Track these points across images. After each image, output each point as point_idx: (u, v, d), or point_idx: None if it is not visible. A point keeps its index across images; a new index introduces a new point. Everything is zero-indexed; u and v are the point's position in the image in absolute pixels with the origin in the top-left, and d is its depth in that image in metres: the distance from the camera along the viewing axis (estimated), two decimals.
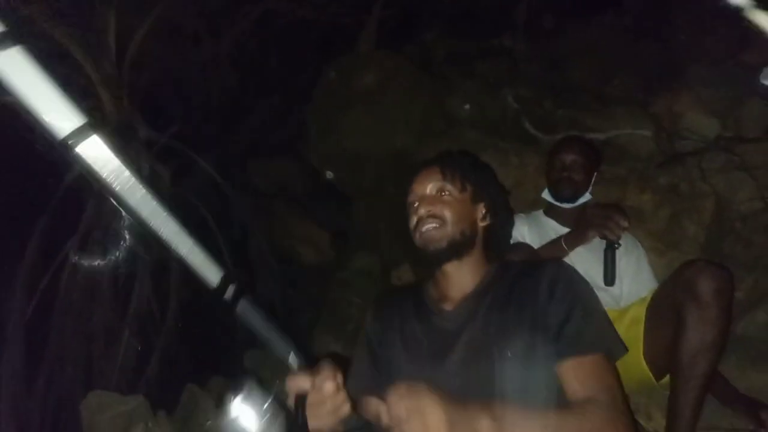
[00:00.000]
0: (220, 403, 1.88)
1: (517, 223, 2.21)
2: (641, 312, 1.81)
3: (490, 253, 1.41)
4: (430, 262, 1.35)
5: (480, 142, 3.45)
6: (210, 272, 0.88)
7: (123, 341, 3.60)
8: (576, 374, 1.13)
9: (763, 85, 1.75)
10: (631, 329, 1.82)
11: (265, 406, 0.96)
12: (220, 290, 0.90)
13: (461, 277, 1.36)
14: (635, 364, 1.77)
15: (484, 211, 1.41)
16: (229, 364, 2.97)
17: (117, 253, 3.89)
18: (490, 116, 3.76)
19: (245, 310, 0.94)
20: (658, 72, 3.56)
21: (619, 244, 1.95)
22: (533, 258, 1.90)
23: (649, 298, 1.83)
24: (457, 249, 1.33)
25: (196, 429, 1.93)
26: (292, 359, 1.00)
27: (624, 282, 2.07)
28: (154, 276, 3.88)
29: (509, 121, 3.71)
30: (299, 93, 4.53)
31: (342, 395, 1.03)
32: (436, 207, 1.34)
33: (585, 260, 2.05)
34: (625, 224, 1.92)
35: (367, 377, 1.35)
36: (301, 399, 1.00)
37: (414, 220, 1.37)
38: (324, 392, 1.00)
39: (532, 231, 2.17)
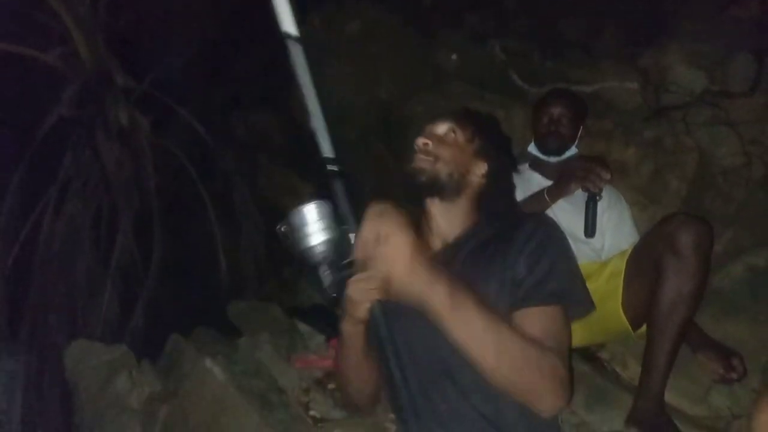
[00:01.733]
0: (203, 353, 1.90)
1: None
2: (621, 264, 1.84)
3: (480, 210, 1.39)
4: (412, 197, 1.34)
5: (466, 95, 3.40)
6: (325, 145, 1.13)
7: (106, 292, 3.60)
8: (530, 322, 1.12)
9: None
10: (611, 281, 1.85)
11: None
12: (324, 162, 1.08)
13: (444, 223, 1.34)
14: (614, 314, 1.81)
15: (484, 170, 1.38)
16: (214, 315, 2.99)
17: (98, 203, 3.84)
18: (477, 68, 3.70)
19: (337, 186, 1.10)
20: (646, 25, 3.50)
21: (601, 197, 1.96)
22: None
23: (629, 251, 1.86)
24: (438, 187, 1.31)
25: (179, 378, 1.95)
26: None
27: (606, 235, 2.09)
28: (137, 226, 3.84)
29: (496, 73, 3.65)
30: (282, 42, 4.41)
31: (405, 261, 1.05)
32: (434, 146, 1.33)
33: (567, 212, 2.06)
34: (607, 176, 1.93)
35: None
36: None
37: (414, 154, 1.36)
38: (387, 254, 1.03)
39: (517, 184, 2.16)
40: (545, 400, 1.06)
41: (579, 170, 1.94)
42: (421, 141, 1.33)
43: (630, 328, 1.80)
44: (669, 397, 1.68)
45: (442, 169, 1.31)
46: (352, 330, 1.18)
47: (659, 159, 2.74)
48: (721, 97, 2.84)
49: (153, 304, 3.65)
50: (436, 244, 1.34)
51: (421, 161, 1.32)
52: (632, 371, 1.95)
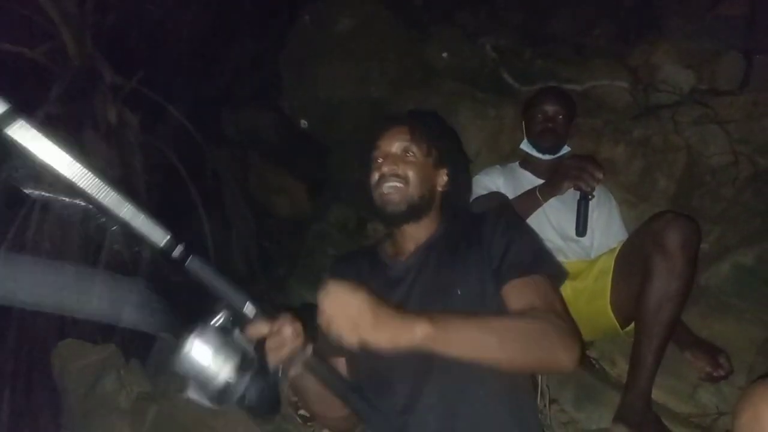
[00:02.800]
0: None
1: (492, 174, 2.22)
2: (610, 263, 1.85)
3: (444, 209, 1.45)
4: (388, 222, 1.39)
5: (457, 93, 3.40)
6: (156, 234, 0.90)
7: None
8: (516, 292, 1.19)
9: None
10: (600, 279, 1.86)
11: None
12: (168, 250, 0.91)
13: (416, 233, 1.39)
14: (602, 312, 1.82)
15: (445, 178, 1.43)
16: (204, 314, 2.97)
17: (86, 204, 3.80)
18: (468, 66, 3.70)
19: (196, 266, 0.95)
20: (636, 24, 3.52)
21: (593, 196, 1.97)
22: (507, 207, 1.91)
23: (618, 249, 1.86)
24: (415, 212, 1.36)
25: (169, 377, 1.94)
26: (248, 309, 1.00)
27: (595, 233, 2.10)
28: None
29: (487, 71, 3.65)
30: (273, 38, 4.38)
31: (300, 339, 1.05)
32: (400, 167, 1.35)
33: (557, 211, 2.07)
34: (600, 176, 1.94)
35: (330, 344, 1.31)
36: (261, 344, 1.02)
37: (376, 176, 1.37)
38: (283, 336, 1.03)
39: (507, 183, 2.17)
40: (562, 359, 1.10)
41: (572, 169, 1.94)
42: (386, 168, 1.34)
43: (618, 325, 1.81)
44: (656, 394, 1.69)
45: (414, 193, 1.35)
46: (297, 380, 1.19)
47: (648, 157, 2.75)
48: (710, 95, 2.85)
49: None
50: (409, 247, 1.39)
51: (392, 190, 1.34)
52: (620, 369, 1.95)
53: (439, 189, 1.43)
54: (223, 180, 4.44)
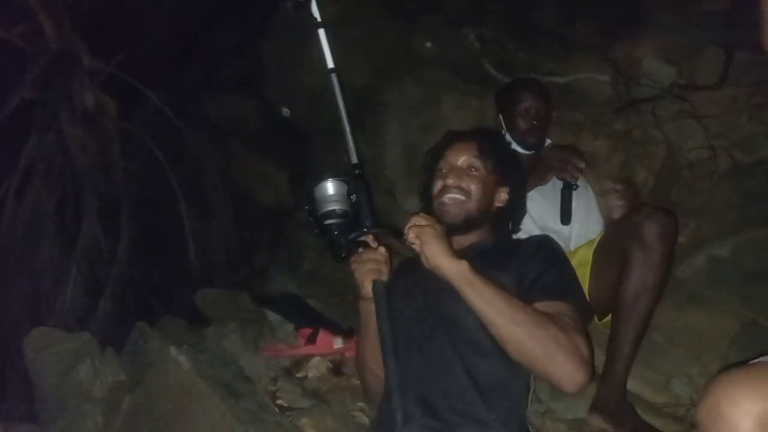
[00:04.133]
0: (168, 342, 1.87)
1: None
2: (589, 254, 1.86)
3: (498, 230, 1.52)
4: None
5: (441, 83, 3.39)
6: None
7: (71, 279, 3.51)
8: (542, 308, 1.22)
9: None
10: (579, 271, 1.86)
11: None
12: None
13: (464, 240, 1.45)
14: None
15: (505, 196, 1.50)
16: (182, 303, 2.94)
17: (62, 188, 3.73)
18: (452, 56, 3.68)
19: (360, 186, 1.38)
20: (619, 17, 3.53)
21: (577, 185, 1.99)
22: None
23: (596, 241, 1.88)
24: (470, 226, 1.44)
25: (144, 366, 1.91)
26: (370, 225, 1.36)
27: (574, 224, 2.11)
28: (103, 212, 3.74)
29: (471, 61, 3.64)
30: (256, 24, 4.32)
31: (386, 267, 1.30)
32: (464, 180, 1.43)
33: (537, 203, 2.08)
34: (583, 165, 1.97)
35: None
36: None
37: (439, 185, 1.46)
38: (380, 252, 1.31)
39: None
40: (566, 370, 1.13)
41: (557, 161, 1.96)
42: (451, 180, 1.44)
43: (595, 316, 1.83)
44: (631, 385, 1.71)
45: (473, 207, 1.43)
46: (364, 309, 1.34)
47: (629, 151, 2.77)
48: (690, 90, 2.88)
49: (119, 291, 3.57)
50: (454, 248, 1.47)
51: (452, 202, 1.43)
52: (597, 360, 1.96)
53: (498, 205, 1.50)
54: (204, 167, 4.38)
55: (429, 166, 1.54)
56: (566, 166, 1.96)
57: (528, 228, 2.04)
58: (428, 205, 1.51)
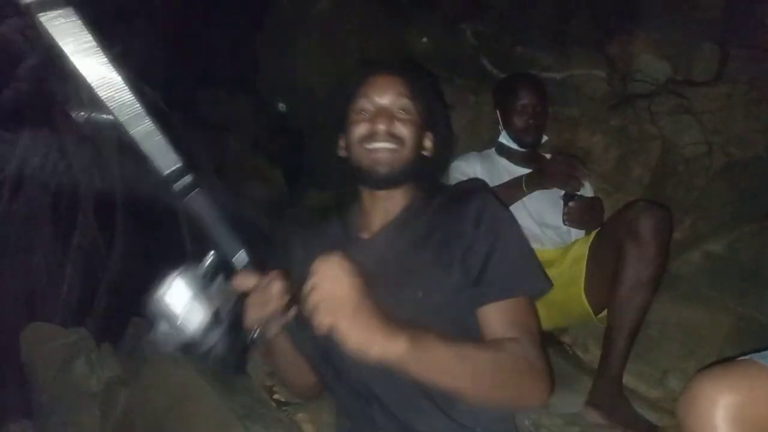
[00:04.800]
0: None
1: (470, 160, 2.22)
2: (584, 250, 1.87)
3: (423, 185, 1.28)
4: (373, 183, 1.21)
5: (438, 79, 3.39)
6: (166, 159, 0.87)
7: (67, 274, 3.50)
8: (496, 318, 1.07)
9: None
10: (574, 266, 1.88)
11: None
12: (171, 179, 0.86)
13: (389, 204, 1.23)
14: (576, 299, 1.83)
15: (430, 144, 1.28)
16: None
17: (58, 183, 3.71)
18: (448, 52, 3.68)
19: (195, 203, 0.91)
20: (615, 13, 3.53)
21: (579, 196, 1.99)
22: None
23: (592, 236, 1.88)
24: (405, 176, 1.20)
25: (140, 362, 1.91)
26: (240, 258, 0.97)
27: None
28: (99, 208, 3.73)
29: (467, 57, 3.64)
30: (251, 20, 4.30)
31: (285, 300, 0.99)
32: (395, 125, 1.17)
33: (536, 199, 2.08)
34: (585, 179, 1.97)
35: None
36: (243, 298, 0.99)
37: (362, 130, 1.19)
38: (269, 293, 0.98)
39: (484, 170, 2.18)
40: (531, 397, 1.03)
41: (560, 174, 1.94)
42: (381, 126, 1.17)
43: (591, 312, 1.83)
44: (626, 379, 1.72)
45: (406, 157, 1.19)
46: (273, 341, 1.16)
47: (624, 147, 2.79)
48: (685, 86, 2.89)
49: (115, 287, 3.57)
50: (377, 223, 1.24)
51: (387, 149, 1.17)
52: (593, 355, 1.98)
53: (424, 154, 1.26)
54: (198, 163, 4.37)
55: (344, 107, 1.25)
56: (569, 181, 1.93)
57: (524, 222, 2.05)
58: (346, 157, 1.24)
